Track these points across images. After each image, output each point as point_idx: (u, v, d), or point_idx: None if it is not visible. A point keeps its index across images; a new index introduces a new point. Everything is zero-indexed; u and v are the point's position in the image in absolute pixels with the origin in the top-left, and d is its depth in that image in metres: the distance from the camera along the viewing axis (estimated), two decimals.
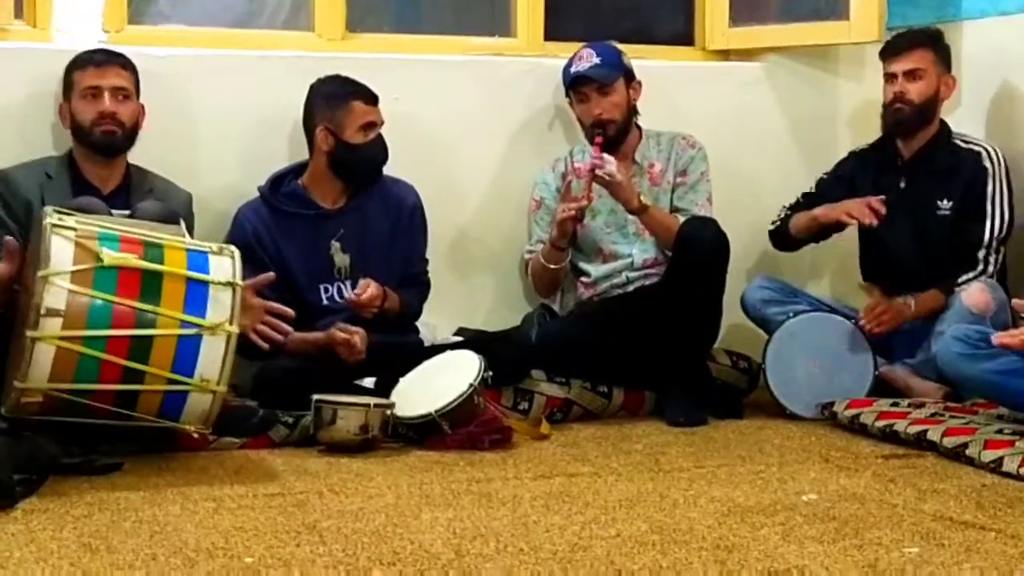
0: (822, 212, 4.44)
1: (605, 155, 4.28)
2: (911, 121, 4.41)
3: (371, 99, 4.19)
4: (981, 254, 4.30)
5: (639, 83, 4.50)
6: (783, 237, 4.61)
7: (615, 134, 4.41)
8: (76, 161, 4.03)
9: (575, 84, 4.43)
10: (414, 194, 4.33)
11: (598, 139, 4.34)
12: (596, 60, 4.41)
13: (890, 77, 4.44)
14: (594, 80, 4.40)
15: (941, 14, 4.75)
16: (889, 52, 4.46)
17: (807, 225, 4.50)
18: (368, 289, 4.09)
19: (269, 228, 4.16)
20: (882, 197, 4.35)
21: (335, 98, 4.18)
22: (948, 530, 2.88)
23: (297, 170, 4.27)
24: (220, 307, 3.33)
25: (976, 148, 4.40)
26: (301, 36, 4.65)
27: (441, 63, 4.67)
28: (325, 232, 4.20)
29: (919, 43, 4.42)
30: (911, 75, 4.40)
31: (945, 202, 4.39)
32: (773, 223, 4.62)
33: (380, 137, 4.20)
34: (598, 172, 4.25)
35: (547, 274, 4.46)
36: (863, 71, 4.94)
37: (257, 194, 4.22)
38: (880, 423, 3.88)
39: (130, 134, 4.03)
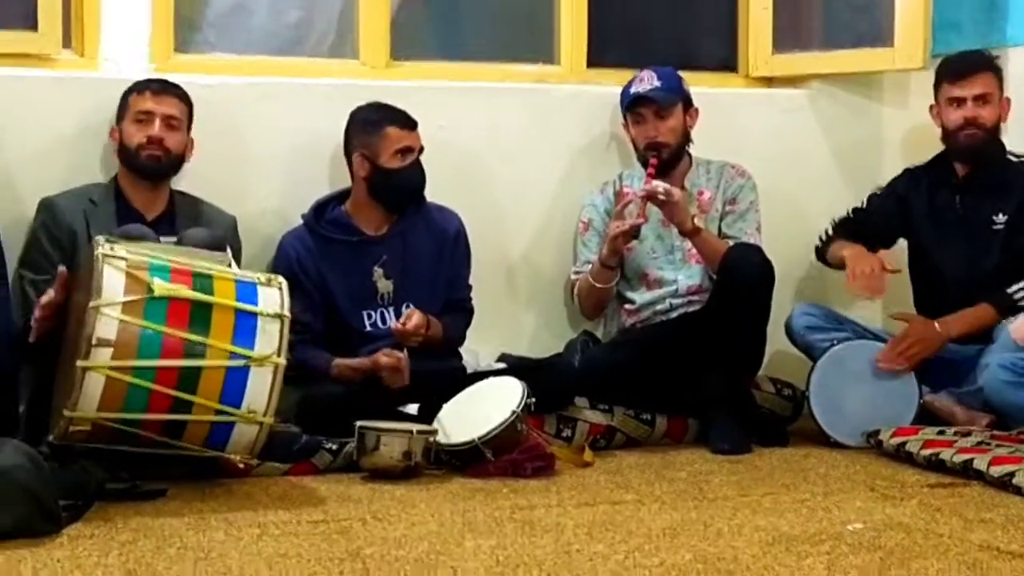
0: (849, 258, 4.34)
1: (659, 181, 4.27)
2: (985, 145, 4.36)
3: (407, 124, 4.20)
4: None
5: (696, 110, 4.50)
6: (824, 259, 4.60)
7: (668, 158, 4.40)
8: (121, 187, 4.05)
9: (633, 105, 4.43)
10: (458, 221, 4.33)
11: (653, 160, 4.33)
12: (657, 83, 4.41)
13: (957, 101, 4.36)
14: (653, 102, 4.40)
15: (986, 41, 4.72)
16: (953, 75, 4.39)
17: (838, 262, 4.46)
18: (413, 318, 4.09)
19: (312, 255, 4.18)
20: (894, 268, 4.32)
21: (370, 124, 4.20)
22: (995, 560, 2.85)
23: (340, 197, 4.29)
24: (268, 339, 3.35)
25: None
26: (346, 64, 4.68)
27: (484, 90, 4.68)
28: (368, 258, 4.21)
29: (985, 67, 4.38)
30: (981, 99, 4.35)
31: (1000, 216, 4.35)
32: (820, 239, 4.61)
33: (417, 162, 4.20)
34: (658, 192, 4.21)
35: (594, 294, 4.45)
36: (907, 98, 4.92)
37: (301, 221, 4.24)
38: (926, 452, 3.85)
39: (175, 162, 4.06)
